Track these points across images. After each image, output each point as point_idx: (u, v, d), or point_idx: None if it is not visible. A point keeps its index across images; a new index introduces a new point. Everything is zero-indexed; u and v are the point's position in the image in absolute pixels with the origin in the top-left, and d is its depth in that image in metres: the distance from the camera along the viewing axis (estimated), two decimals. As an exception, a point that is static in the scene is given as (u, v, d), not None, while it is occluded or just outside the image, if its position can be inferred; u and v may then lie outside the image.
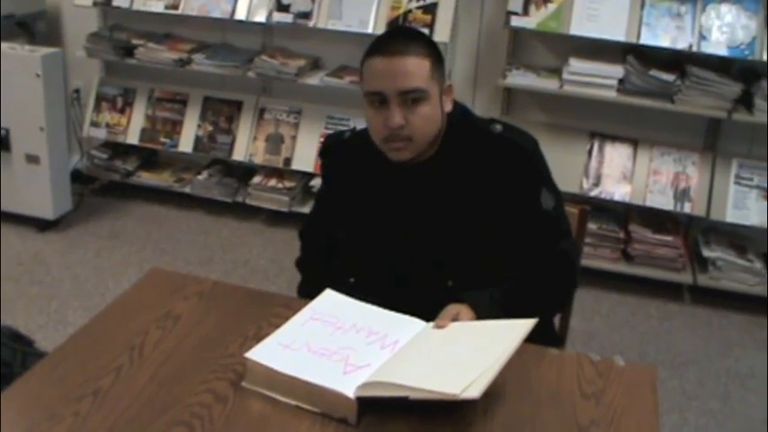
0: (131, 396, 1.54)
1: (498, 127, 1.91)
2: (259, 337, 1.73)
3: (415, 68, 1.76)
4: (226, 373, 1.62)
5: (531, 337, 1.79)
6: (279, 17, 4.01)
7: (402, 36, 1.84)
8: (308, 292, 1.95)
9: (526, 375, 1.67)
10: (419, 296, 1.84)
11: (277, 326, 1.78)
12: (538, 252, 1.89)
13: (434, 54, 1.83)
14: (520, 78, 3.77)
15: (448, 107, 1.88)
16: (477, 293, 1.82)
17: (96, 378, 1.58)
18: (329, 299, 1.81)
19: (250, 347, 1.69)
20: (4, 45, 4.01)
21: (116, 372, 1.61)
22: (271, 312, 1.84)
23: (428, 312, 1.79)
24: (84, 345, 1.72)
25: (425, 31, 3.81)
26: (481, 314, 1.76)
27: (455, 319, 1.73)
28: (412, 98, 1.77)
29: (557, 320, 2.23)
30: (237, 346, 1.71)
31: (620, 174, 3.80)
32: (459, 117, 1.92)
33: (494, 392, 1.59)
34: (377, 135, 1.84)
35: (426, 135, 1.82)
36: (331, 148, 2.07)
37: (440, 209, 1.91)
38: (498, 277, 1.89)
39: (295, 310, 1.85)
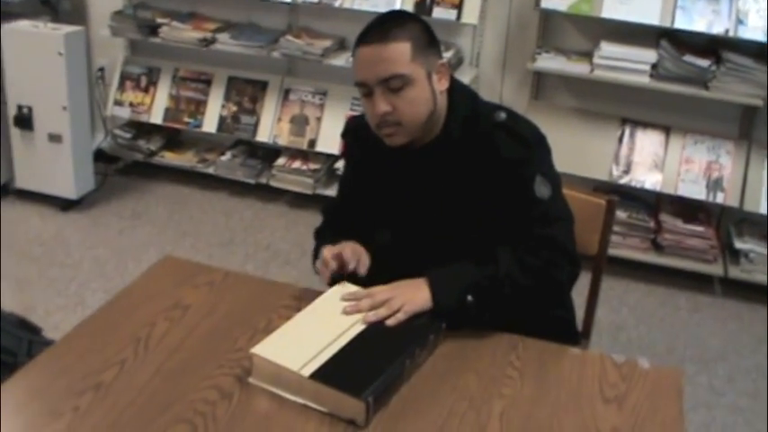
0: (134, 391, 1.49)
1: (502, 115, 1.87)
2: (269, 330, 1.68)
3: (394, 54, 1.74)
4: (233, 368, 1.57)
5: (550, 334, 1.74)
6: (305, -4, 3.95)
7: (383, 23, 1.80)
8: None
9: (545, 377, 1.60)
10: None
11: (288, 318, 1.73)
12: (527, 237, 1.82)
13: (417, 36, 1.78)
14: (549, 62, 3.68)
15: (441, 86, 1.84)
16: (441, 270, 1.77)
17: (99, 371, 1.54)
18: (342, 290, 1.77)
19: (259, 341, 1.64)
20: (27, 23, 3.98)
21: (120, 365, 1.56)
22: (282, 304, 1.79)
23: None
24: (89, 335, 1.67)
25: (453, 12, 3.73)
26: (438, 292, 1.73)
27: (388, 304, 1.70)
28: (394, 84, 1.75)
29: (580, 312, 2.16)
30: (246, 340, 1.66)
31: (651, 161, 3.70)
32: (466, 101, 1.89)
33: (510, 395, 1.53)
34: (371, 123, 1.83)
35: (416, 118, 1.79)
36: (352, 130, 2.05)
37: (443, 193, 1.88)
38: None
39: (308, 301, 1.80)
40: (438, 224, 1.89)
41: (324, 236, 2.05)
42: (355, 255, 1.83)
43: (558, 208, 1.88)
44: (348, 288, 1.77)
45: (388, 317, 1.67)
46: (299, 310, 1.77)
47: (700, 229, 3.69)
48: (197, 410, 1.44)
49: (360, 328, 1.64)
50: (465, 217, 1.86)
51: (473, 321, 1.74)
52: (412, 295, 1.71)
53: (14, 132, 4.09)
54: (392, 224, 1.95)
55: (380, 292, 1.72)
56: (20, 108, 4.01)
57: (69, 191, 4.13)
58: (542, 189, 1.83)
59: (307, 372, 1.47)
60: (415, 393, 1.52)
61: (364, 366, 1.52)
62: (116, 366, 1.56)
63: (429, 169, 1.88)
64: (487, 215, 1.84)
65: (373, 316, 1.67)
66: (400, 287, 1.73)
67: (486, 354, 1.67)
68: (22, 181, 4.20)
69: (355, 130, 2.00)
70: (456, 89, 1.89)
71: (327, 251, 1.82)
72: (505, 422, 1.46)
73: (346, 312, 1.68)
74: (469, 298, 1.72)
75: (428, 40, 1.82)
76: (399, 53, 1.74)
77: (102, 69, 4.56)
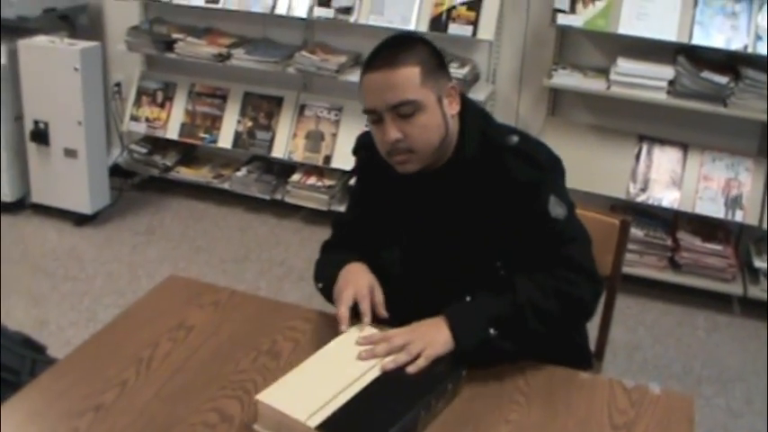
0: (134, 413, 1.47)
1: (515, 138, 1.81)
2: (273, 352, 1.67)
3: (403, 80, 1.69)
4: (235, 390, 1.55)
5: (561, 356, 1.70)
6: (320, 12, 3.94)
7: (390, 47, 1.75)
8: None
9: (553, 402, 1.57)
10: (435, 308, 1.75)
11: (293, 340, 1.72)
12: (543, 259, 1.77)
13: (426, 60, 1.74)
14: (566, 78, 3.65)
15: (453, 110, 1.79)
16: (458, 306, 1.70)
17: (100, 392, 1.52)
18: (358, 332, 1.67)
19: (263, 363, 1.63)
20: (44, 38, 4.00)
21: (121, 386, 1.54)
22: (287, 325, 1.77)
23: None
24: (92, 355, 1.66)
25: (469, 28, 3.71)
26: (459, 332, 1.63)
27: (406, 348, 1.59)
28: (404, 111, 1.70)
29: (594, 332, 2.13)
30: (250, 362, 1.64)
31: (668, 179, 3.66)
32: (478, 124, 1.84)
33: (517, 420, 1.50)
34: (381, 150, 1.78)
35: (428, 144, 1.74)
36: (363, 147, 2.00)
37: (454, 218, 1.83)
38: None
39: (314, 323, 1.79)
40: (448, 247, 1.84)
41: (332, 252, 2.02)
42: (369, 298, 1.76)
43: (573, 228, 1.83)
44: (364, 330, 1.68)
45: (408, 363, 1.57)
46: (303, 332, 1.76)
47: (718, 247, 3.64)
48: (197, 434, 1.42)
49: (374, 374, 1.54)
50: (475, 240, 1.81)
51: (498, 357, 1.66)
52: (432, 338, 1.62)
53: (31, 147, 4.11)
54: (401, 245, 1.91)
55: (398, 335, 1.63)
56: (36, 123, 4.03)
57: (84, 206, 4.14)
58: (557, 209, 1.78)
59: (314, 422, 1.39)
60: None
61: (376, 418, 1.43)
62: (117, 387, 1.54)
63: (441, 192, 1.83)
64: (500, 238, 1.79)
65: (391, 363, 1.57)
66: (418, 329, 1.64)
67: (493, 377, 1.63)
68: (38, 196, 4.22)
69: (367, 147, 1.94)
70: (468, 111, 1.84)
71: (343, 308, 1.71)
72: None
73: (361, 358, 1.58)
74: (492, 332, 1.64)
75: (437, 62, 1.77)
76: (409, 78, 1.69)
77: (118, 84, 4.57)
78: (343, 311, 1.70)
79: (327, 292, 1.88)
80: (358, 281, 1.78)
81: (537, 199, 1.77)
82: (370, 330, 1.67)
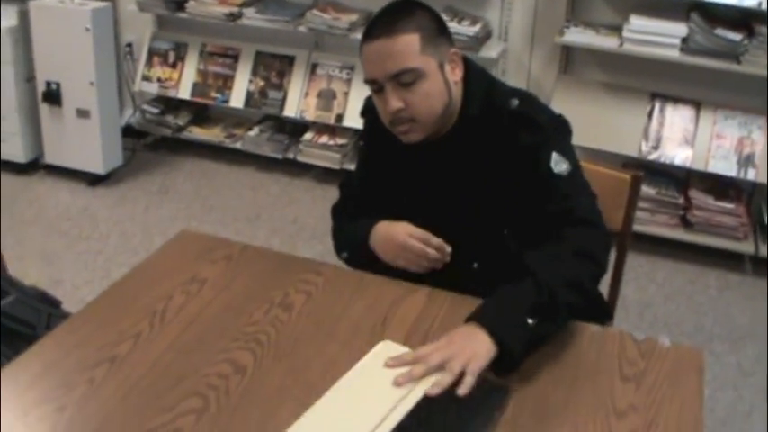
0: (148, 364, 1.49)
1: (515, 101, 1.78)
2: (285, 304, 1.68)
3: (402, 48, 1.67)
4: (248, 341, 1.57)
5: (583, 313, 1.68)
6: (331, -30, 3.92)
7: (388, 15, 1.72)
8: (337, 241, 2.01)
9: (563, 354, 1.57)
10: (442, 278, 1.78)
11: (305, 292, 1.74)
12: (549, 217, 1.74)
13: (426, 25, 1.71)
14: (578, 36, 3.62)
15: (455, 76, 1.77)
16: (486, 307, 1.55)
17: (114, 344, 1.54)
18: (384, 352, 1.50)
19: (275, 315, 1.65)
20: (55, -1, 4.00)
21: (135, 338, 1.56)
22: (299, 278, 1.79)
23: None
24: (105, 308, 1.68)
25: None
26: (498, 333, 1.47)
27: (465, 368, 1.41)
28: (405, 79, 1.68)
29: (605, 289, 2.13)
30: (262, 314, 1.66)
31: (681, 137, 3.64)
32: (481, 87, 1.82)
33: (526, 371, 1.51)
34: (384, 120, 1.77)
35: (430, 113, 1.73)
36: (371, 110, 1.96)
37: (459, 186, 1.82)
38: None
39: (324, 276, 1.80)
40: (453, 213, 1.84)
41: (343, 218, 2.03)
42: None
43: (576, 183, 1.80)
44: (391, 349, 1.51)
45: (453, 383, 1.39)
46: (316, 284, 1.77)
47: (730, 206, 3.63)
48: (210, 384, 1.44)
49: (413, 400, 1.37)
50: (481, 205, 1.81)
51: (541, 343, 1.56)
52: (472, 349, 1.44)
53: (43, 108, 4.13)
54: (405, 210, 1.89)
55: (433, 353, 1.44)
56: (48, 84, 4.04)
57: (97, 166, 4.16)
58: (560, 165, 1.76)
59: None
60: (430, 369, 1.51)
61: None
62: (131, 339, 1.56)
63: (445, 158, 1.82)
64: (505, 204, 1.78)
65: (436, 387, 1.37)
66: (454, 342, 1.45)
67: (504, 330, 1.64)
68: (51, 156, 4.24)
69: (372, 110, 1.91)
70: (471, 75, 1.81)
71: (433, 241, 1.76)
72: (521, 399, 1.44)
73: (398, 383, 1.40)
74: (530, 321, 1.50)
75: (437, 28, 1.75)
76: (408, 46, 1.67)
77: (130, 45, 4.57)
78: (435, 242, 1.76)
79: (354, 259, 1.89)
80: (399, 229, 1.80)
81: (539, 159, 1.75)
82: (396, 349, 1.51)
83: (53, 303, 1.87)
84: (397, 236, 1.79)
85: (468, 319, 1.52)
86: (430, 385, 1.38)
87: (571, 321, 1.64)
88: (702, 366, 1.58)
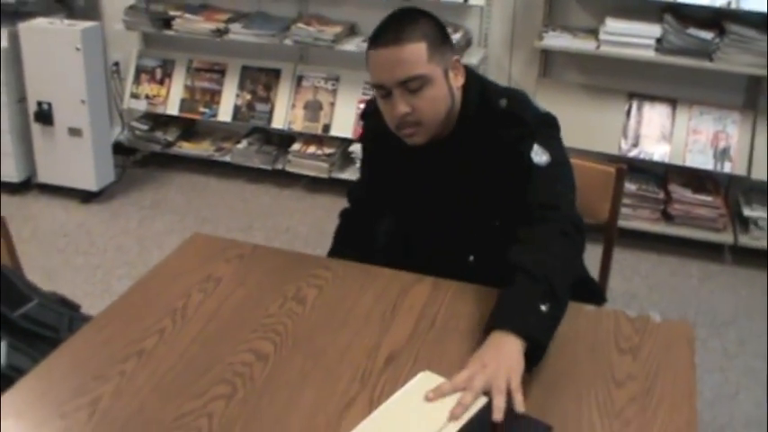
0: (175, 356, 1.58)
1: (503, 102, 1.87)
2: (299, 298, 1.78)
3: (411, 56, 1.74)
4: (266, 332, 1.66)
5: (574, 294, 1.79)
6: (314, -16, 4.02)
7: (396, 23, 1.78)
8: (338, 240, 2.17)
9: (563, 332, 1.66)
10: (439, 271, 1.87)
11: (316, 286, 1.83)
12: (526, 207, 1.81)
13: (432, 34, 1.79)
14: (556, 40, 3.74)
15: (458, 82, 1.86)
16: (497, 315, 1.59)
17: (140, 339, 1.63)
18: (426, 383, 1.46)
19: (290, 307, 1.74)
20: (44, 20, 4.07)
21: (159, 333, 1.65)
22: (309, 273, 1.88)
23: None
24: (128, 308, 1.76)
25: (460, -6, 3.80)
26: (521, 331, 1.52)
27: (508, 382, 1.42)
28: (413, 86, 1.76)
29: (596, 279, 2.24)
30: (278, 307, 1.75)
31: (658, 134, 3.77)
32: (477, 92, 1.90)
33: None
34: (390, 123, 1.84)
35: (435, 116, 1.81)
36: (371, 113, 2.06)
37: (456, 184, 1.92)
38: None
39: (333, 271, 1.90)
40: (451, 210, 1.94)
41: (348, 225, 2.18)
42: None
43: (555, 174, 1.85)
44: (431, 380, 1.47)
45: (506, 402, 1.38)
46: (326, 279, 1.86)
47: (708, 198, 3.76)
48: (235, 372, 1.53)
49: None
50: (474, 201, 1.90)
51: (557, 324, 1.61)
52: (506, 363, 1.45)
53: (35, 128, 4.19)
54: (406, 208, 2.01)
55: (473, 378, 1.42)
56: (39, 104, 4.11)
57: (90, 183, 4.23)
58: (540, 157, 1.83)
59: None
60: (439, 352, 1.61)
61: None
62: (156, 335, 1.65)
63: (444, 158, 1.91)
64: (496, 197, 1.87)
65: (498, 413, 1.36)
66: (487, 363, 1.45)
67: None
68: (44, 175, 4.31)
69: (374, 114, 2.00)
70: (468, 79, 1.90)
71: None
72: (527, 374, 1.54)
73: (454, 416, 1.36)
74: (543, 308, 1.57)
75: (442, 37, 1.82)
76: (416, 54, 1.74)
77: (117, 64, 4.64)
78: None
79: None
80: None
81: (522, 152, 1.82)
82: (436, 379, 1.46)
83: (73, 307, 1.95)
84: None
85: (488, 329, 1.56)
86: (475, 412, 1.37)
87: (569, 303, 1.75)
88: (692, 337, 1.70)
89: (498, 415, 1.35)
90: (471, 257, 1.97)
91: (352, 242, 2.15)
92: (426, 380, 1.47)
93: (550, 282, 1.61)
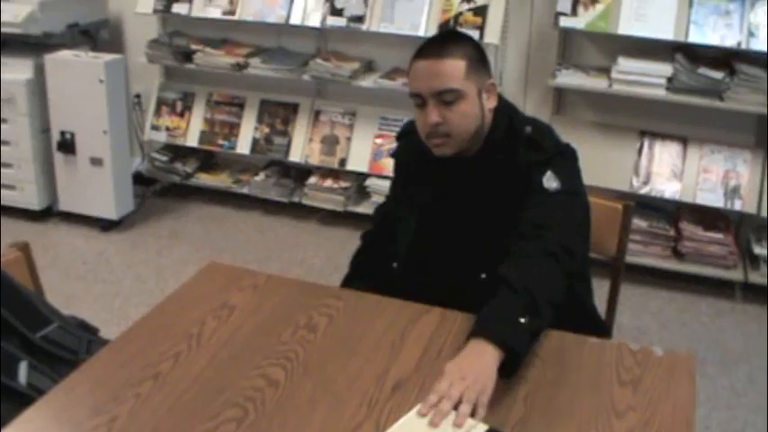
0: (189, 379, 1.64)
1: (528, 129, 1.98)
2: (310, 326, 1.83)
3: (450, 70, 1.87)
4: (278, 359, 1.71)
5: (578, 328, 1.85)
6: (332, 21, 4.11)
7: (442, 39, 1.95)
8: (356, 264, 2.25)
9: (566, 363, 1.72)
10: (452, 287, 1.93)
11: (327, 315, 1.88)
12: (525, 223, 1.88)
13: (472, 55, 1.91)
14: (569, 78, 3.81)
15: (490, 104, 1.96)
16: (478, 323, 1.69)
17: (156, 363, 1.68)
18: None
19: (302, 335, 1.80)
20: (69, 53, 4.18)
21: (175, 358, 1.71)
22: (321, 303, 1.93)
23: (460, 304, 1.88)
24: (144, 333, 1.82)
25: (476, 33, 3.87)
26: (501, 337, 1.62)
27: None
28: (447, 98, 1.87)
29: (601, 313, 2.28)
30: (290, 335, 1.80)
31: (669, 172, 3.82)
32: (506, 117, 2.00)
33: (534, 379, 1.66)
34: (421, 132, 1.96)
35: (464, 131, 1.91)
36: (406, 134, 2.17)
37: (475, 203, 1.99)
38: None
39: (345, 300, 1.95)
40: (467, 227, 2.00)
41: (368, 247, 2.26)
42: None
43: (561, 201, 1.91)
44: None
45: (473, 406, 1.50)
46: (337, 309, 1.92)
47: (719, 236, 3.79)
48: (247, 396, 1.59)
49: None
50: (491, 220, 1.97)
51: (536, 338, 1.72)
52: (482, 374, 1.55)
53: (58, 157, 4.29)
54: (424, 224, 2.07)
55: (451, 388, 1.53)
56: (63, 134, 4.21)
57: (110, 212, 4.32)
58: (551, 182, 1.91)
59: None
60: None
61: None
62: (171, 359, 1.70)
63: (468, 177, 1.99)
64: (508, 216, 1.93)
65: (461, 419, 1.48)
66: (464, 371, 1.56)
67: (511, 344, 1.79)
68: (66, 203, 4.39)
69: (408, 134, 2.11)
70: (499, 105, 1.99)
71: None
72: (529, 404, 1.58)
73: (433, 425, 1.46)
74: (522, 321, 1.66)
75: (481, 60, 1.94)
76: (455, 69, 1.87)
77: (138, 96, 4.75)
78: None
79: None
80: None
81: (534, 176, 1.92)
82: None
83: (92, 331, 2.01)
84: None
85: (471, 336, 1.65)
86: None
87: (572, 335, 1.80)
88: (693, 369, 1.73)
89: (461, 420, 1.46)
90: (483, 275, 2.02)
91: (371, 263, 2.23)
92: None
93: (531, 295, 1.70)
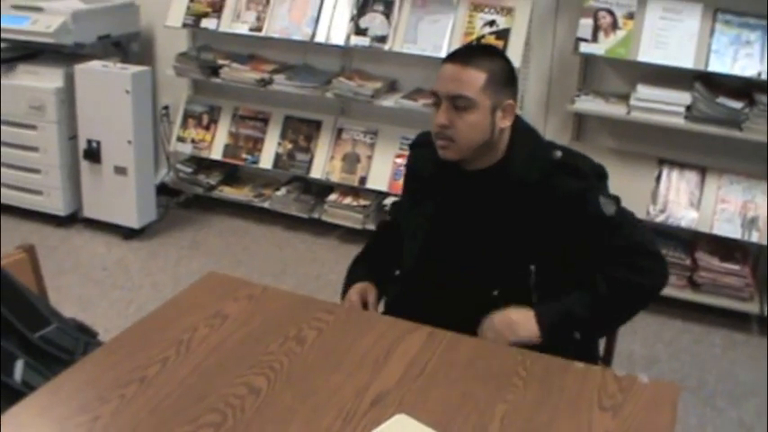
0: (173, 384, 1.67)
1: (558, 153, 2.01)
2: (299, 338, 1.86)
3: (469, 79, 1.91)
4: (263, 368, 1.74)
5: (571, 354, 1.87)
6: (356, 40, 4.16)
7: (473, 49, 2.05)
8: (365, 251, 2.41)
9: (548, 386, 1.73)
10: (461, 301, 1.97)
11: (317, 328, 1.90)
12: (612, 255, 1.99)
13: (497, 71, 1.94)
14: (588, 104, 3.81)
15: (503, 123, 1.98)
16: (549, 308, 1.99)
17: (144, 367, 1.72)
18: (399, 424, 1.55)
19: (289, 347, 1.82)
20: (98, 63, 4.27)
21: (162, 362, 1.74)
22: (312, 316, 1.96)
23: (468, 318, 1.93)
24: (137, 337, 1.86)
25: (497, 55, 3.89)
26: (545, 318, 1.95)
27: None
28: (460, 104, 1.91)
29: (602, 341, 2.28)
30: (278, 345, 1.83)
31: (687, 201, 3.80)
32: (527, 140, 2.04)
33: (514, 400, 1.67)
34: (432, 131, 2.00)
35: (470, 140, 1.94)
36: (419, 144, 2.22)
37: (491, 221, 2.01)
38: (546, 288, 2.01)
39: (336, 315, 1.98)
40: (480, 244, 2.03)
41: (380, 235, 2.43)
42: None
43: (627, 218, 2.05)
44: (407, 424, 1.55)
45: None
46: (328, 322, 1.94)
47: (736, 267, 3.76)
48: (228, 402, 1.61)
49: None
50: (511, 242, 2.00)
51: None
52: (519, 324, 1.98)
53: (84, 165, 4.37)
54: (434, 235, 2.10)
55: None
56: (89, 142, 4.29)
57: (132, 220, 4.39)
58: (609, 207, 1.99)
59: None
60: (424, 397, 1.67)
61: None
62: (159, 363, 1.74)
63: (482, 193, 2.02)
64: (540, 244, 1.99)
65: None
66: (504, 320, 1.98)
67: (495, 364, 1.80)
68: (89, 210, 4.48)
69: (422, 144, 2.16)
70: (519, 127, 2.03)
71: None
72: (507, 424, 1.59)
73: None
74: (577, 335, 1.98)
75: (506, 79, 1.97)
76: (474, 79, 1.91)
77: (166, 108, 4.82)
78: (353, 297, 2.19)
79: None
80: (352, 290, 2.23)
81: (587, 205, 1.97)
82: (413, 424, 1.54)
83: (90, 334, 2.06)
84: (349, 295, 2.21)
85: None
86: None
87: (559, 359, 1.81)
88: (676, 400, 1.72)
89: None
90: (495, 292, 2.04)
91: (383, 249, 2.34)
92: (401, 422, 1.54)
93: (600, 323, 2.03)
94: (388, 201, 4.33)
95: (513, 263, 2.01)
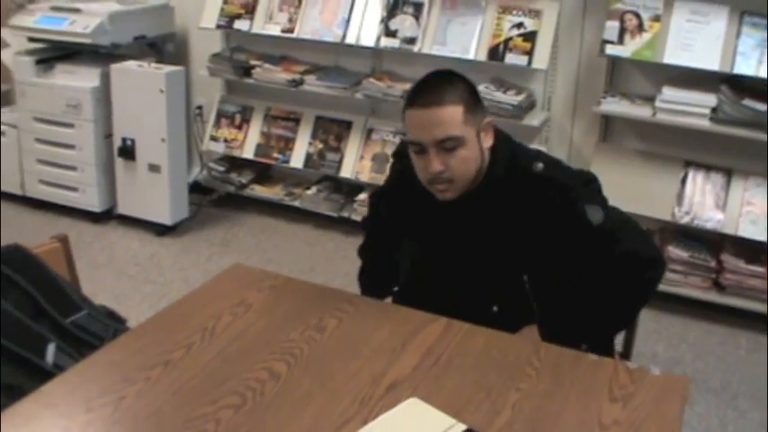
0: (197, 368, 1.74)
1: (540, 165, 1.99)
2: (319, 327, 1.92)
3: (449, 117, 1.86)
4: (283, 354, 1.80)
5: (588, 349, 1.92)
6: (386, 42, 4.22)
7: (434, 85, 1.90)
8: (362, 281, 2.39)
9: (560, 376, 1.77)
10: (463, 317, 1.98)
11: (337, 318, 1.96)
12: (607, 266, 1.99)
13: (467, 98, 1.91)
14: (614, 105, 3.83)
15: (487, 143, 1.98)
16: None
17: (170, 351, 1.79)
18: (411, 408, 1.60)
19: (310, 335, 1.88)
20: (134, 63, 4.37)
21: (187, 347, 1.81)
22: (334, 306, 2.02)
23: None
24: (163, 323, 1.94)
25: (524, 58, 3.93)
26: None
27: None
28: (448, 145, 1.88)
29: (620, 337, 2.31)
30: (298, 333, 1.89)
31: (712, 202, 3.80)
32: (506, 151, 2.03)
33: (526, 389, 1.71)
34: (422, 179, 1.97)
35: (466, 175, 1.94)
36: (402, 155, 2.14)
37: (480, 238, 2.04)
38: (543, 296, 2.04)
39: (356, 306, 2.03)
40: (471, 260, 2.05)
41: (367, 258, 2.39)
42: None
43: (616, 222, 2.03)
44: (419, 407, 1.61)
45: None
46: (348, 312, 2.00)
47: (761, 269, 3.75)
48: (248, 386, 1.68)
49: None
50: (501, 255, 2.02)
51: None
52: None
53: (118, 162, 4.48)
54: (428, 256, 2.13)
55: None
56: (124, 140, 4.39)
57: (165, 217, 4.48)
58: (596, 215, 1.97)
59: None
60: (438, 384, 1.72)
61: None
62: (184, 348, 1.81)
63: (470, 213, 2.03)
64: (530, 255, 2.00)
65: None
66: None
67: (510, 354, 1.85)
68: (124, 207, 4.58)
69: (405, 155, 2.09)
70: (497, 140, 2.02)
71: None
72: (517, 411, 1.64)
73: None
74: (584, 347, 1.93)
75: (475, 100, 1.94)
76: (454, 116, 1.86)
77: (200, 107, 4.92)
78: None
79: None
80: None
81: (573, 217, 1.96)
82: (424, 408, 1.60)
83: (119, 320, 2.14)
84: None
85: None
86: None
87: (572, 351, 1.85)
88: (687, 393, 1.76)
89: None
90: (495, 308, 2.07)
91: (376, 278, 2.35)
92: (414, 406, 1.60)
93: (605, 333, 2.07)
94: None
95: (505, 275, 2.03)
